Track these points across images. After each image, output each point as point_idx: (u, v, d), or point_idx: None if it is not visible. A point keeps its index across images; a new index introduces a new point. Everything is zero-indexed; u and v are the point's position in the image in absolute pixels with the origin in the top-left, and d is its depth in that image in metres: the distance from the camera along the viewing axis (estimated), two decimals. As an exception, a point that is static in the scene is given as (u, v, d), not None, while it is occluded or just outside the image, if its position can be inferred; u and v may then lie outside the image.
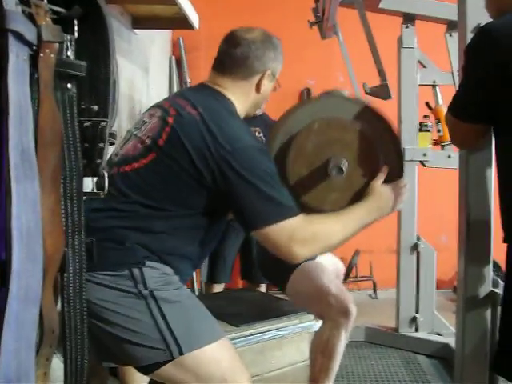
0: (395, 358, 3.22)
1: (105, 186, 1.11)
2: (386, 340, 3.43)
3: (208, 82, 1.71)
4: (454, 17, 2.09)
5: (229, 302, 2.55)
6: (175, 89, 4.62)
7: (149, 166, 1.55)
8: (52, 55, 0.83)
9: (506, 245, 1.53)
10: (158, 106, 1.69)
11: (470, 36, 1.66)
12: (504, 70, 1.41)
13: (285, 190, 1.56)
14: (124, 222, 1.51)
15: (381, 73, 3.05)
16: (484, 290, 1.77)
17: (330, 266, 2.25)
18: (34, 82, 0.81)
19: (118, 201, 1.53)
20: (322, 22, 3.34)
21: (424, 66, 3.38)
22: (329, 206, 1.72)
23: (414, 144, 3.32)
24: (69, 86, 0.89)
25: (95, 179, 1.14)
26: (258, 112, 2.92)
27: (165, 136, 1.55)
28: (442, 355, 3.18)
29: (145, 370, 1.52)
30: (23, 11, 0.78)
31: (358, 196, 1.72)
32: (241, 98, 1.70)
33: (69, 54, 0.90)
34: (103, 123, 0.98)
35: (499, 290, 1.73)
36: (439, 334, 3.38)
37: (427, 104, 3.41)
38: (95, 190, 1.13)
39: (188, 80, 4.61)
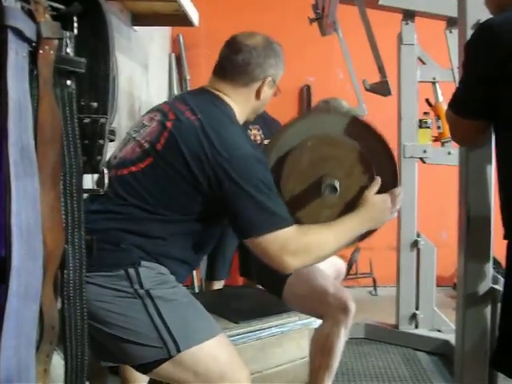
0: (395, 354, 3.22)
1: (105, 182, 1.11)
2: (386, 337, 3.43)
3: (208, 87, 1.72)
4: (453, 13, 2.08)
5: (229, 299, 2.55)
6: (175, 86, 4.61)
7: (146, 170, 1.55)
8: (51, 52, 0.83)
9: (506, 241, 1.53)
10: (157, 109, 1.69)
11: (470, 32, 1.66)
12: (505, 66, 1.41)
13: (280, 199, 1.57)
14: (120, 224, 1.52)
15: (381, 69, 3.05)
16: (484, 286, 1.77)
17: (330, 267, 2.25)
18: (34, 78, 0.81)
19: (115, 203, 1.54)
20: (321, 19, 3.34)
21: (424, 63, 3.38)
22: (323, 221, 1.72)
23: (414, 141, 3.32)
24: (68, 82, 0.89)
25: (95, 176, 1.14)
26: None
27: (163, 141, 1.55)
28: (441, 352, 3.18)
29: (143, 368, 1.52)
30: (22, 8, 0.78)
31: (352, 211, 1.73)
32: (241, 104, 1.70)
33: (68, 50, 0.90)
34: (103, 120, 0.98)
35: (499, 287, 1.73)
36: (439, 331, 3.38)
37: (427, 101, 3.40)
38: (95, 187, 1.13)
39: (188, 77, 4.61)
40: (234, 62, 1.67)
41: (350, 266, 4.28)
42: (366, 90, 3.16)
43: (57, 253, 0.87)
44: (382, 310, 3.90)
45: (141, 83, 3.78)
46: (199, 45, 4.70)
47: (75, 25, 0.92)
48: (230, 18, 4.67)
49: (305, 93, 4.84)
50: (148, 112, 1.74)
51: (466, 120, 1.56)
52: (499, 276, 1.79)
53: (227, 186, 1.50)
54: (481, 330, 1.77)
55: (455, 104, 1.58)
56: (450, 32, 3.22)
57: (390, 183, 1.75)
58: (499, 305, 1.67)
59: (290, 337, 2.36)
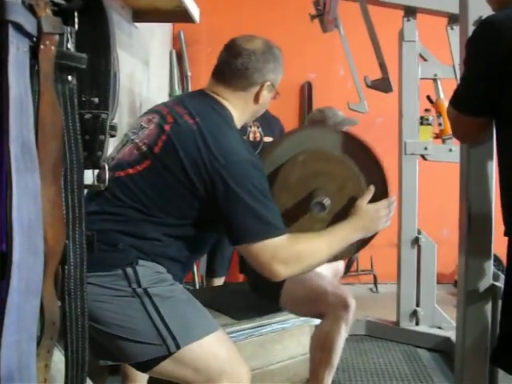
0: (396, 351, 3.22)
1: (105, 178, 1.11)
2: (387, 334, 3.43)
3: (207, 90, 1.72)
4: (455, 10, 2.08)
5: (229, 296, 2.55)
6: (176, 83, 4.61)
7: (143, 173, 1.55)
8: (52, 47, 0.83)
9: (506, 238, 1.53)
10: (156, 110, 1.69)
11: (471, 29, 1.66)
12: (506, 62, 1.40)
13: (274, 207, 1.57)
14: (118, 225, 1.52)
15: (382, 66, 3.05)
16: (485, 283, 1.77)
17: (327, 267, 2.24)
18: (35, 74, 0.81)
19: (113, 205, 1.54)
20: (323, 16, 3.33)
21: (425, 60, 3.38)
22: None
23: (415, 138, 3.32)
24: (69, 78, 0.89)
25: (96, 172, 1.14)
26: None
27: (160, 144, 1.56)
28: (442, 349, 3.19)
29: (143, 367, 1.53)
30: (23, 2, 0.78)
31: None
32: (239, 108, 1.70)
33: (69, 46, 0.89)
34: (104, 115, 0.98)
35: (500, 284, 1.73)
36: (440, 328, 3.38)
37: (428, 98, 3.40)
38: (96, 183, 1.13)
39: (189, 74, 4.61)
40: (233, 66, 1.67)
41: (350, 263, 4.29)
42: (367, 86, 3.16)
43: (57, 248, 0.87)
44: (382, 307, 3.90)
45: (142, 80, 3.78)
46: (200, 41, 4.70)
47: (76, 20, 0.92)
48: (231, 14, 4.67)
49: (306, 90, 4.84)
50: (146, 113, 1.74)
51: (468, 117, 1.56)
52: (500, 273, 1.79)
53: (222, 191, 1.50)
54: (481, 327, 1.78)
55: (457, 101, 1.58)
56: (452, 29, 3.22)
57: (381, 194, 1.77)
58: (500, 302, 1.67)
59: (290, 333, 2.36)
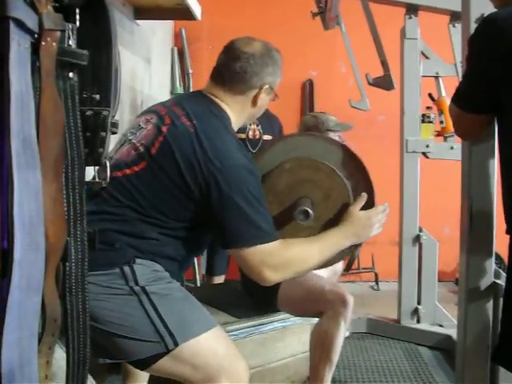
0: (397, 349, 3.22)
1: (107, 175, 1.10)
2: (388, 331, 3.44)
3: (206, 91, 1.72)
4: (457, 7, 2.08)
5: (230, 293, 2.55)
6: (177, 80, 4.61)
7: (140, 173, 1.56)
8: (54, 44, 0.83)
9: (508, 236, 1.53)
10: (154, 111, 1.69)
11: (473, 26, 1.65)
12: (508, 59, 1.40)
13: (267, 213, 1.58)
14: (115, 225, 1.53)
15: (384, 64, 3.05)
16: (486, 281, 1.77)
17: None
18: (36, 70, 0.81)
19: (110, 205, 1.55)
20: (324, 13, 3.32)
21: (427, 58, 3.37)
22: None
23: (417, 135, 3.31)
24: (70, 74, 0.89)
25: (96, 169, 1.14)
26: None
27: (157, 145, 1.56)
28: (443, 347, 3.19)
29: (142, 364, 1.53)
30: (24, -1, 0.78)
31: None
32: (237, 110, 1.71)
33: (70, 42, 0.89)
34: (105, 112, 0.97)
35: (501, 282, 1.73)
36: (441, 326, 3.38)
37: (430, 95, 3.40)
38: (97, 180, 1.13)
39: (190, 71, 4.60)
40: (232, 69, 1.67)
41: (351, 261, 4.29)
42: (369, 84, 3.16)
43: (59, 245, 0.87)
44: (383, 305, 3.91)
45: (143, 77, 3.78)
46: (202, 39, 4.69)
47: (77, 17, 0.92)
48: (233, 11, 4.67)
49: (307, 87, 4.83)
50: (144, 113, 1.74)
51: (470, 114, 1.56)
52: (501, 271, 1.79)
53: (217, 195, 1.51)
54: (482, 324, 1.77)
55: (458, 98, 1.58)
56: (454, 26, 3.21)
57: (366, 203, 1.77)
58: (501, 300, 1.67)
59: (291, 331, 2.36)
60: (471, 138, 1.74)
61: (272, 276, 1.57)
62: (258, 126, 3.63)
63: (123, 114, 3.15)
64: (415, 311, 3.42)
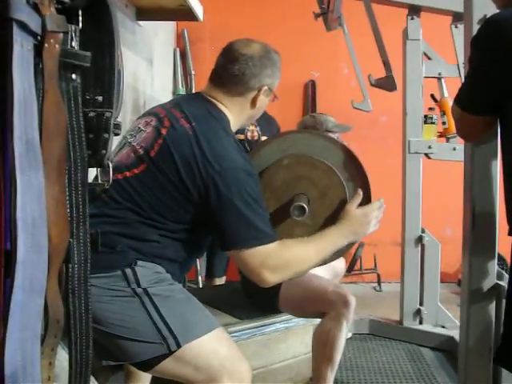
0: (399, 350, 3.22)
1: (110, 177, 1.11)
2: (390, 332, 3.43)
3: (204, 94, 1.72)
4: (459, 8, 2.08)
5: (232, 295, 2.56)
6: (180, 81, 4.61)
7: (139, 176, 1.57)
8: (57, 45, 0.83)
9: (511, 238, 1.52)
10: (153, 113, 1.70)
11: (476, 27, 1.65)
12: (511, 61, 1.40)
13: (266, 214, 1.59)
14: (116, 227, 1.53)
15: (386, 65, 3.04)
16: (489, 282, 1.77)
17: (326, 268, 2.24)
18: (39, 72, 0.81)
19: (111, 207, 1.55)
20: (326, 14, 3.32)
21: (429, 58, 3.37)
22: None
23: (419, 136, 3.31)
24: (73, 76, 0.89)
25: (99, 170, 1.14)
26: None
27: (157, 147, 1.57)
28: (446, 348, 3.18)
29: (144, 366, 1.54)
30: (27, 1, 0.78)
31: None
32: (236, 112, 1.71)
33: (73, 44, 0.89)
34: (108, 114, 0.97)
35: (504, 283, 1.72)
36: (443, 327, 3.38)
37: (432, 96, 3.39)
38: (100, 181, 1.13)
39: (192, 72, 4.61)
40: (230, 71, 1.68)
41: (354, 262, 4.29)
42: (371, 85, 3.15)
43: (61, 247, 0.86)
44: (386, 306, 3.90)
45: (146, 78, 3.78)
46: (204, 39, 4.70)
47: (80, 18, 0.92)
48: (235, 12, 4.67)
49: (309, 88, 4.83)
50: (144, 115, 1.75)
51: (472, 115, 1.56)
52: (504, 272, 1.79)
53: (216, 197, 1.51)
54: (485, 326, 1.77)
55: (461, 99, 1.57)
56: (456, 27, 3.21)
57: (363, 201, 1.78)
58: (504, 301, 1.67)
59: (293, 332, 2.36)
60: (473, 139, 1.74)
61: (271, 277, 1.57)
62: (256, 127, 3.63)
63: (125, 115, 3.16)
64: (417, 312, 3.42)
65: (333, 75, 4.82)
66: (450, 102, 2.92)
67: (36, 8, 0.79)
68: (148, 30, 3.75)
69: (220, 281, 3.61)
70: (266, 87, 1.70)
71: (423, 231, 3.39)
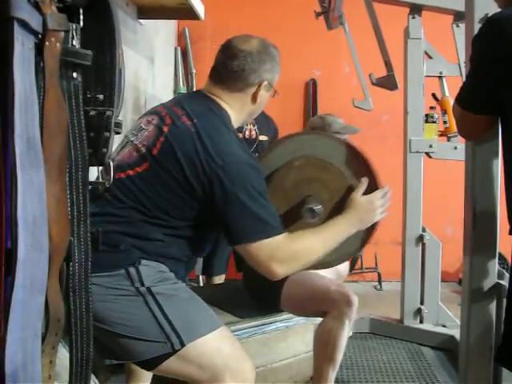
0: (400, 349, 3.22)
1: (111, 175, 1.11)
2: (391, 331, 3.43)
3: (205, 91, 1.72)
4: (461, 7, 2.08)
5: (232, 293, 2.56)
6: (181, 79, 4.61)
7: (142, 174, 1.56)
8: (58, 44, 0.83)
9: (511, 237, 1.52)
10: (155, 112, 1.70)
11: (477, 26, 1.65)
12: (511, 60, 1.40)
13: (272, 207, 1.59)
14: (119, 227, 1.53)
15: (387, 64, 3.04)
16: (489, 281, 1.76)
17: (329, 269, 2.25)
18: (40, 70, 0.81)
19: (114, 206, 1.55)
20: (328, 13, 3.32)
21: (430, 57, 3.36)
22: None
23: (420, 135, 3.31)
24: (74, 75, 0.89)
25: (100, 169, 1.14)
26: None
27: (159, 145, 1.57)
28: (446, 347, 3.18)
29: (148, 365, 1.54)
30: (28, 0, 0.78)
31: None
32: (237, 108, 1.71)
33: (74, 43, 0.89)
34: (109, 112, 0.98)
35: (505, 282, 1.72)
36: (444, 326, 3.38)
37: (433, 95, 3.39)
38: (101, 180, 1.13)
39: (193, 71, 4.61)
40: (229, 67, 1.68)
41: (354, 261, 4.29)
42: (373, 84, 3.15)
43: (62, 245, 0.87)
44: (386, 305, 3.91)
45: (147, 77, 3.78)
46: (205, 38, 4.70)
47: (81, 17, 0.92)
48: (236, 11, 4.67)
49: (310, 87, 4.83)
50: (145, 114, 1.75)
51: (473, 114, 1.55)
52: (504, 271, 1.79)
53: (220, 192, 1.51)
54: (486, 325, 1.77)
55: (462, 98, 1.57)
56: (457, 26, 3.20)
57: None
58: (504, 300, 1.67)
59: (294, 331, 2.36)
60: (475, 138, 1.74)
61: (280, 269, 1.57)
62: (254, 126, 3.64)
63: (126, 114, 3.16)
64: (418, 311, 3.42)
65: (334, 74, 4.82)
66: (451, 101, 2.91)
67: (37, 6, 0.79)
68: (149, 29, 3.75)
69: (219, 279, 3.61)
70: (265, 82, 1.70)
71: (424, 230, 3.39)
